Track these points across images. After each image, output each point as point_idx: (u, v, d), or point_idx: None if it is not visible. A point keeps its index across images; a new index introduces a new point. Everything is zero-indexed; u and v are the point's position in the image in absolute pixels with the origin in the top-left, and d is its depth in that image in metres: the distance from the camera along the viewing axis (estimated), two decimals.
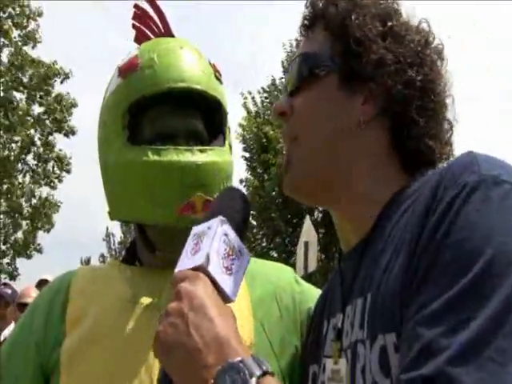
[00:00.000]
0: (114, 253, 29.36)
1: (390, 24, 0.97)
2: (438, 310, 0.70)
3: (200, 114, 1.21)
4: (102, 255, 29.09)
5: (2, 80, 15.33)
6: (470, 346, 0.66)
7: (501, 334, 0.66)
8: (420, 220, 0.78)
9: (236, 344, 0.78)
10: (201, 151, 1.15)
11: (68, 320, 1.13)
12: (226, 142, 1.24)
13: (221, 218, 0.87)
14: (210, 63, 1.25)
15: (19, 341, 1.17)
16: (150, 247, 1.19)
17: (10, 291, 4.70)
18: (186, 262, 0.85)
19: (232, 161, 1.24)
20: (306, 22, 1.04)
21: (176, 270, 0.85)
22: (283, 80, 17.01)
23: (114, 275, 1.20)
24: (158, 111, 1.18)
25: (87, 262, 26.46)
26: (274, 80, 17.24)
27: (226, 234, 0.86)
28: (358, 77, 0.95)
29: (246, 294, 1.15)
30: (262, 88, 18.06)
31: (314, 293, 1.20)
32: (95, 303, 1.13)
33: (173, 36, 1.28)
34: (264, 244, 17.40)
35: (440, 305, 0.70)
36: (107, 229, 26.51)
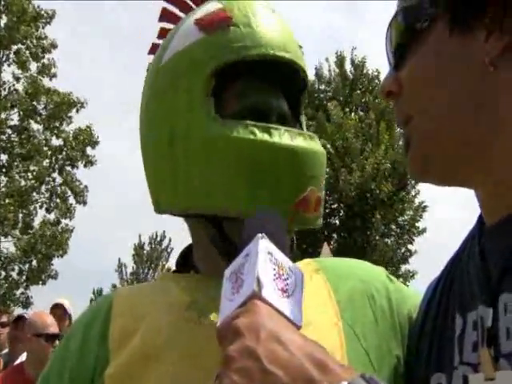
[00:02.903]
0: (126, 284, 29.24)
1: None
2: None
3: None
4: (114, 286, 28.95)
5: (18, 110, 15.54)
6: None
7: None
8: None
9: (333, 364, 0.60)
10: (310, 137, 0.97)
11: (112, 341, 0.93)
12: (304, 126, 1.06)
13: (259, 235, 0.73)
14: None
15: (52, 373, 0.98)
16: (226, 249, 0.95)
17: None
18: (228, 305, 0.70)
19: None
20: None
21: (218, 323, 0.69)
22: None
23: (166, 286, 1.00)
24: (247, 82, 0.98)
25: (99, 292, 26.30)
26: None
27: (269, 253, 0.72)
28: (471, 8, 0.75)
29: (329, 295, 0.96)
30: None
31: (411, 291, 1.03)
32: (145, 318, 0.93)
33: None
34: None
35: None
36: (119, 260, 26.37)
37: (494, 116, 0.76)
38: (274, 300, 0.68)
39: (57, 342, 3.82)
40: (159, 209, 1.02)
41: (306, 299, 0.92)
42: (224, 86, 0.97)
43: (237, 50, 0.95)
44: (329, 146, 15.00)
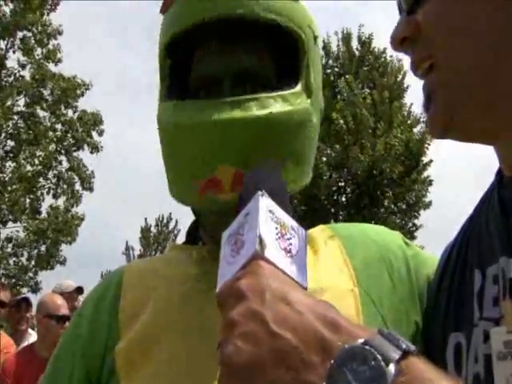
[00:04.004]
0: None
1: None
2: None
3: (266, 47, 0.94)
4: None
5: (24, 96, 15.52)
6: None
7: None
8: None
9: (346, 323, 0.55)
10: (242, 102, 0.86)
11: (122, 316, 0.92)
12: (300, 83, 0.93)
13: (258, 193, 0.68)
14: None
15: (64, 351, 0.98)
16: (205, 228, 0.98)
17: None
18: (228, 269, 0.65)
19: (305, 107, 0.91)
20: None
21: (218, 288, 0.64)
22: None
23: (176, 257, 0.99)
24: (204, 49, 0.94)
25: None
26: None
27: (271, 211, 0.67)
28: None
29: (346, 260, 0.94)
30: None
31: (429, 255, 0.99)
32: (156, 290, 0.92)
33: None
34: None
35: None
36: (126, 243, 26.44)
37: None
38: (277, 260, 0.63)
39: (67, 323, 3.85)
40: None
41: (321, 265, 0.92)
42: (191, 56, 0.96)
43: (170, 27, 0.92)
44: (341, 121, 14.88)
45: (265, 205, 0.67)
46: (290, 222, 0.69)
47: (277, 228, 0.66)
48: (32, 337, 4.47)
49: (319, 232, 1.00)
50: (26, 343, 4.34)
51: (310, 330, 0.55)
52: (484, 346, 0.70)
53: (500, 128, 0.74)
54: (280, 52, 0.96)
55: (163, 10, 0.95)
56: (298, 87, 0.92)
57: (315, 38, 0.96)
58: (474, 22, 0.70)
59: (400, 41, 0.76)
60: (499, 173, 0.81)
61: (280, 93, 0.89)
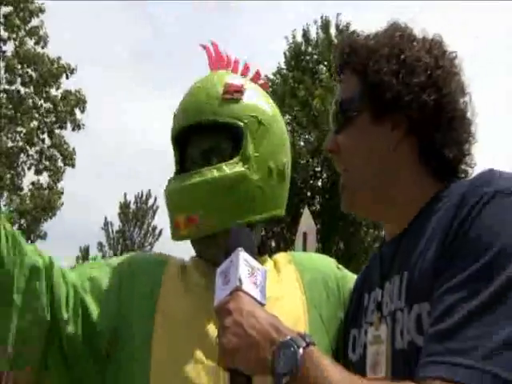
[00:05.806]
0: (112, 242, 29.39)
1: (402, 57, 1.16)
2: (457, 283, 0.97)
3: (228, 133, 1.43)
4: (100, 244, 29.08)
5: (6, 74, 15.47)
6: (475, 310, 0.93)
7: (498, 304, 0.93)
8: (449, 220, 1.03)
9: (284, 329, 1.02)
10: (197, 174, 1.39)
11: (158, 311, 1.34)
12: (237, 157, 1.41)
13: (238, 249, 1.12)
14: (226, 84, 1.44)
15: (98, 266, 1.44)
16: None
17: None
18: (221, 293, 1.09)
19: (239, 171, 1.39)
20: (337, 68, 1.28)
21: (215, 303, 1.09)
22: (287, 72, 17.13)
23: (190, 269, 1.42)
24: (193, 140, 1.45)
25: (86, 250, 26.58)
26: (279, 69, 17.37)
27: (245, 260, 1.11)
28: (383, 110, 1.16)
29: (298, 279, 1.44)
30: (266, 76, 17.96)
31: (352, 276, 1.48)
32: (175, 293, 1.36)
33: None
34: (263, 233, 17.37)
35: (458, 280, 0.97)
36: (105, 218, 26.53)
37: (396, 178, 1.18)
38: (249, 290, 1.08)
39: None
40: None
41: (281, 280, 1.46)
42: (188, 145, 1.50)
43: (173, 127, 1.49)
44: (318, 106, 15.06)
45: (242, 257, 1.11)
46: (257, 265, 1.13)
47: (249, 270, 1.10)
48: None
49: (283, 256, 1.51)
50: None
51: (265, 332, 1.01)
52: (365, 338, 1.20)
53: (384, 213, 1.23)
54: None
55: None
56: (234, 159, 1.42)
57: (259, 121, 1.44)
58: (367, 152, 1.19)
59: (329, 151, 1.25)
60: (383, 238, 1.31)
61: (217, 165, 1.40)
